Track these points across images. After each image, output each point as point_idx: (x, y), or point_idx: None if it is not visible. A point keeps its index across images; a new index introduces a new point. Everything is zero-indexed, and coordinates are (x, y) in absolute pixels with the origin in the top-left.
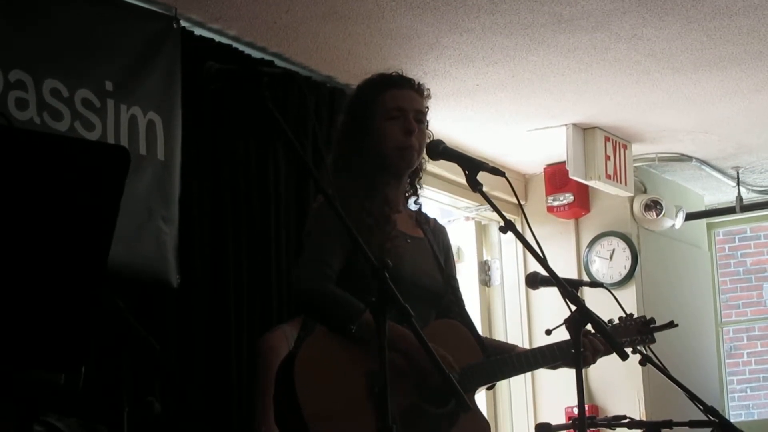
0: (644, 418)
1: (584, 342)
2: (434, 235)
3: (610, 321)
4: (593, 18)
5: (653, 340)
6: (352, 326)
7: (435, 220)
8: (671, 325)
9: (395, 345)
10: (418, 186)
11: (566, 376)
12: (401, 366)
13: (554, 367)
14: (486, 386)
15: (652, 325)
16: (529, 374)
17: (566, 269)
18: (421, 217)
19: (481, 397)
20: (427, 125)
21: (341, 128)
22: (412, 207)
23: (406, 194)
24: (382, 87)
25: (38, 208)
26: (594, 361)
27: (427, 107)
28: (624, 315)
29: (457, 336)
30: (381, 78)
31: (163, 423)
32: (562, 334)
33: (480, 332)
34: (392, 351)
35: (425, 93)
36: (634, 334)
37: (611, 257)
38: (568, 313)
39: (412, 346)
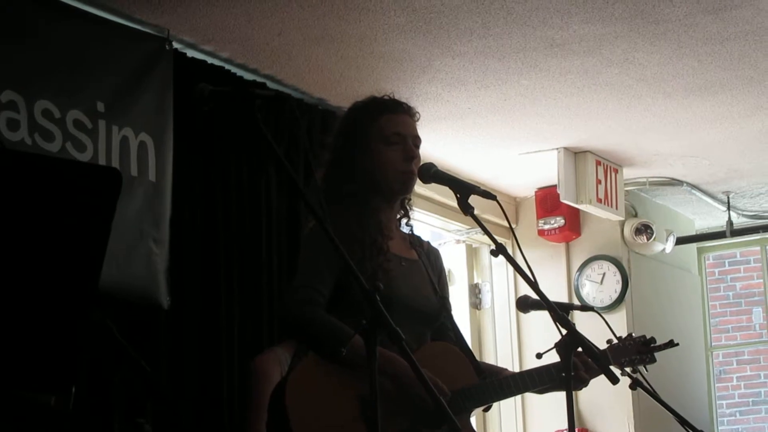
0: None
1: (577, 362)
2: (428, 257)
3: (610, 341)
4: (585, 42)
5: (653, 360)
6: (342, 349)
7: (428, 242)
8: (671, 344)
9: (384, 370)
10: (409, 208)
11: (556, 399)
12: (391, 391)
13: (541, 392)
14: (482, 408)
15: (652, 345)
16: (519, 397)
17: (557, 293)
18: (414, 240)
19: (471, 419)
20: None
21: (332, 153)
22: (405, 229)
23: (398, 217)
24: (377, 111)
25: (29, 230)
26: (587, 382)
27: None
28: (623, 335)
29: (452, 358)
30: (375, 102)
31: None
32: (553, 358)
33: None
34: (381, 376)
35: (416, 117)
36: (633, 354)
37: (602, 281)
38: (558, 337)
39: (401, 370)
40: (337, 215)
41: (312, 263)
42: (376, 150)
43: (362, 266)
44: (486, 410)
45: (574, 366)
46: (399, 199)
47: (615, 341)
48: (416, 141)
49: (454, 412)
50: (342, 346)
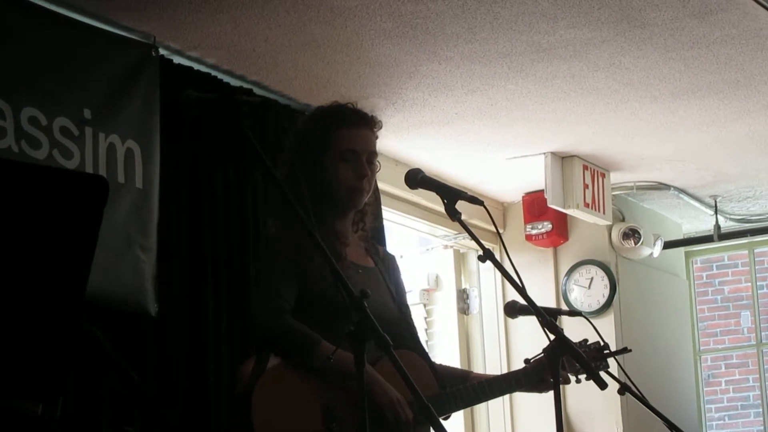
0: None
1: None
2: (384, 264)
3: None
4: (571, 47)
5: (607, 366)
6: (310, 361)
7: (384, 249)
8: (624, 350)
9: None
10: (364, 213)
11: (545, 405)
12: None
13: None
14: (442, 417)
15: (606, 351)
16: (507, 404)
17: (545, 298)
18: (370, 247)
19: (459, 429)
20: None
21: (291, 159)
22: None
23: (356, 224)
24: (335, 124)
25: (16, 238)
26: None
27: (377, 136)
28: (578, 342)
29: (413, 366)
30: (335, 113)
31: None
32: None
33: (458, 361)
34: (349, 381)
35: (377, 127)
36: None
37: (590, 286)
38: (546, 342)
39: (371, 379)
40: (294, 222)
41: (276, 269)
42: (329, 164)
43: (323, 277)
44: (445, 419)
45: (544, 369)
46: (352, 210)
47: None
48: (371, 157)
49: (416, 421)
50: (310, 356)
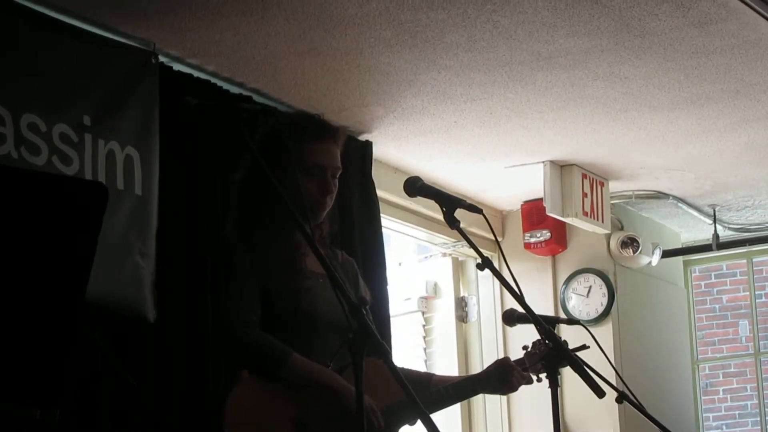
0: None
1: (514, 367)
2: (344, 269)
3: (525, 347)
4: (571, 56)
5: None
6: (280, 371)
7: (342, 253)
8: (583, 347)
9: (326, 383)
10: (323, 221)
11: (542, 413)
12: (331, 405)
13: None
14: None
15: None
16: (505, 412)
17: (543, 306)
18: (330, 253)
19: None
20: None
21: (253, 168)
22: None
23: (313, 231)
24: (302, 136)
25: (15, 244)
26: (516, 388)
27: (342, 150)
28: (536, 341)
29: (379, 373)
30: (303, 124)
31: None
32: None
33: (456, 369)
34: (322, 389)
35: (341, 140)
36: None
37: (588, 294)
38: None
39: (342, 385)
40: (254, 233)
41: (242, 281)
42: (293, 176)
43: (285, 287)
44: (412, 424)
45: (509, 370)
46: (311, 223)
47: (530, 347)
48: (336, 172)
49: (388, 427)
50: (279, 368)
